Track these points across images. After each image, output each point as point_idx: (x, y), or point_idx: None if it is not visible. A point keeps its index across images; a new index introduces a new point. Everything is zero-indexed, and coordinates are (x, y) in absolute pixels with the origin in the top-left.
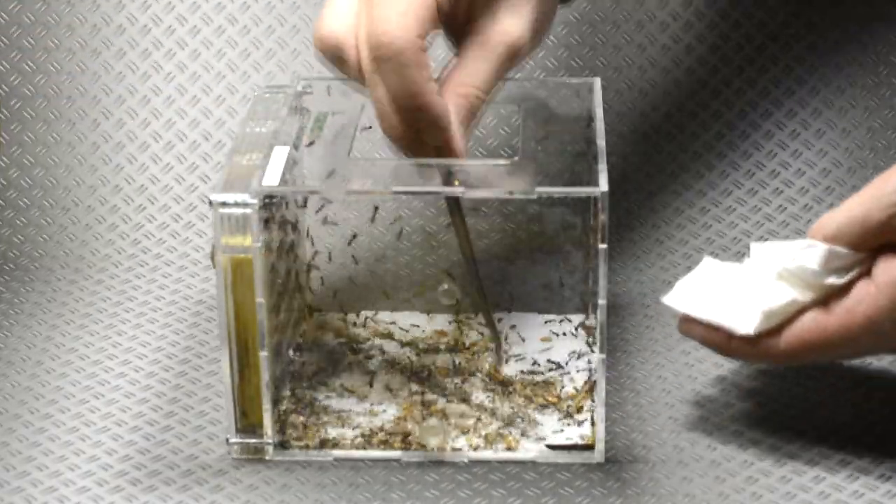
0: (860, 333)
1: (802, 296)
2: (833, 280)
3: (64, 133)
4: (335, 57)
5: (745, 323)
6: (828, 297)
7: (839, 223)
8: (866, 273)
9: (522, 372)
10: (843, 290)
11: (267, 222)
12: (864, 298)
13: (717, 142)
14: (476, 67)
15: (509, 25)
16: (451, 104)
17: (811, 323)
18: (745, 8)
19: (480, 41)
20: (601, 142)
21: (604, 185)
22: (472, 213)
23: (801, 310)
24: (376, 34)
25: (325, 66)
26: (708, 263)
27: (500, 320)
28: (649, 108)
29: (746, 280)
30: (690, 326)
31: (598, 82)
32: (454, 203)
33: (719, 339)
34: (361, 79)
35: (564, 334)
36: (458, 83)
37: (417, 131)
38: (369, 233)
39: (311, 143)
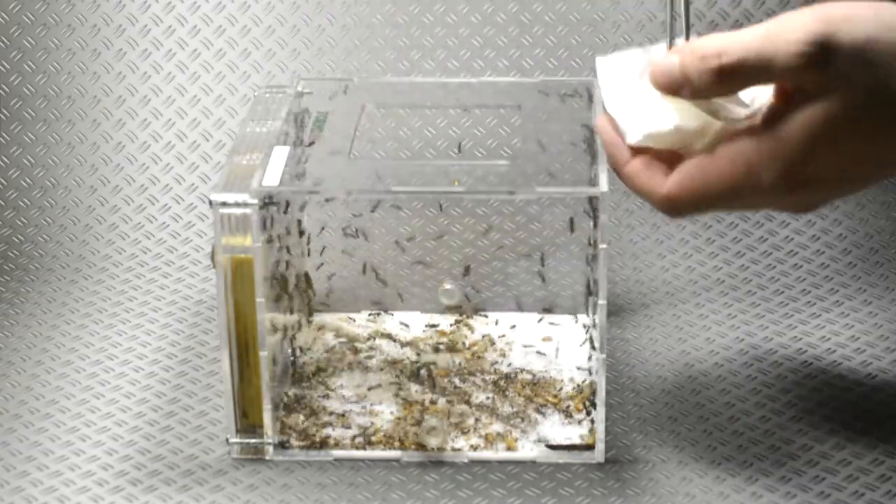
0: (740, 182)
1: (684, 123)
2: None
3: (64, 133)
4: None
5: (633, 131)
6: (713, 142)
7: (741, 55)
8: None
9: (522, 371)
10: (729, 137)
11: (265, 222)
12: (746, 148)
13: None
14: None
15: None
16: None
17: (694, 168)
18: (745, 8)
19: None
20: (601, 142)
21: (604, 185)
22: (473, 214)
23: (685, 143)
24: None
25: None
26: (650, 50)
27: (497, 322)
28: None
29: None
30: (603, 125)
31: (597, 82)
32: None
33: (616, 156)
34: None
35: (564, 334)
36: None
37: None
38: (370, 233)
39: (311, 143)
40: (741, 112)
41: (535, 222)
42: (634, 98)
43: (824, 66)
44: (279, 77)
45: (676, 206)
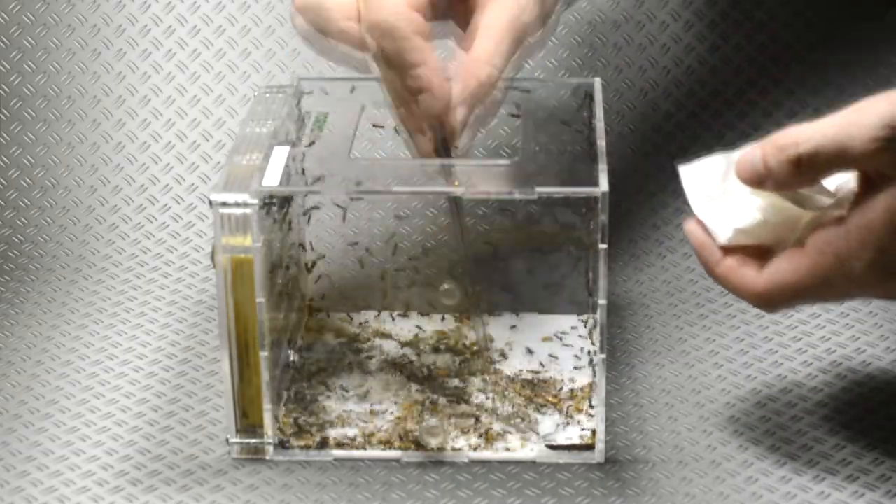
0: (831, 274)
1: (772, 216)
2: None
3: (64, 133)
4: (314, 17)
5: (723, 230)
6: (802, 235)
7: (818, 144)
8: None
9: (522, 371)
10: (817, 229)
11: (269, 210)
12: (834, 240)
13: (717, 142)
14: (485, 45)
15: (513, 1)
16: (459, 82)
17: (786, 263)
18: (745, 8)
19: (483, 19)
20: (601, 142)
21: (604, 185)
22: (473, 214)
23: (776, 235)
24: (371, 14)
25: (306, 37)
26: (730, 156)
27: (486, 325)
28: (649, 108)
29: (730, 183)
30: (693, 229)
31: (598, 82)
32: (455, 203)
33: (707, 257)
34: (343, 38)
35: (565, 334)
36: (465, 62)
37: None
38: (369, 233)
39: (311, 143)
40: (826, 200)
41: (535, 222)
42: (721, 199)
43: None
44: (279, 77)
45: (772, 303)
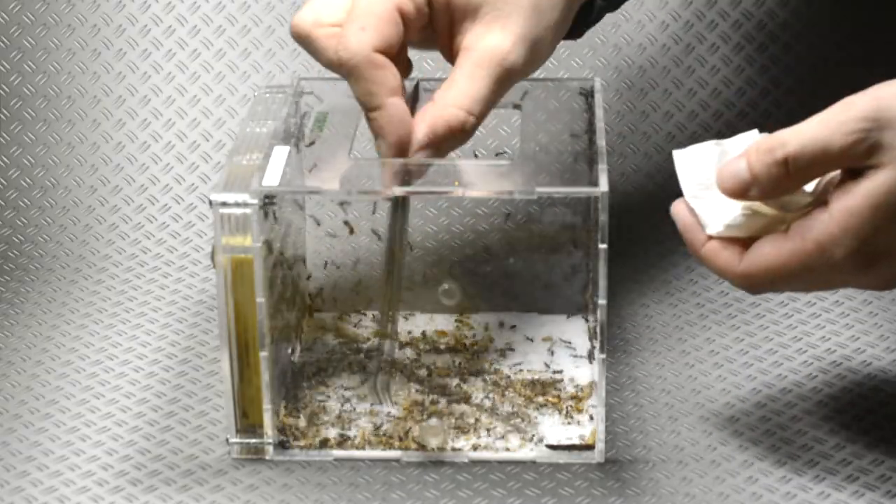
0: (812, 259)
1: (761, 214)
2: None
3: (64, 133)
4: (306, 47)
5: (713, 222)
6: (789, 222)
7: (803, 143)
8: (823, 198)
9: (522, 371)
10: (803, 215)
11: (267, 215)
12: (816, 225)
13: None
14: (462, 86)
15: (497, 41)
16: (426, 121)
17: (769, 247)
18: (745, 8)
19: (468, 58)
20: (601, 142)
21: (604, 185)
22: (473, 213)
23: (764, 229)
24: (338, 49)
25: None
26: (724, 143)
27: (502, 324)
28: (649, 108)
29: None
30: (680, 210)
31: (598, 82)
32: (400, 203)
33: (692, 239)
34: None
35: (564, 334)
36: (440, 100)
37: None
38: (369, 232)
39: (311, 143)
40: (808, 199)
41: (535, 222)
42: (713, 189)
43: (879, 139)
44: (279, 77)
45: (753, 284)
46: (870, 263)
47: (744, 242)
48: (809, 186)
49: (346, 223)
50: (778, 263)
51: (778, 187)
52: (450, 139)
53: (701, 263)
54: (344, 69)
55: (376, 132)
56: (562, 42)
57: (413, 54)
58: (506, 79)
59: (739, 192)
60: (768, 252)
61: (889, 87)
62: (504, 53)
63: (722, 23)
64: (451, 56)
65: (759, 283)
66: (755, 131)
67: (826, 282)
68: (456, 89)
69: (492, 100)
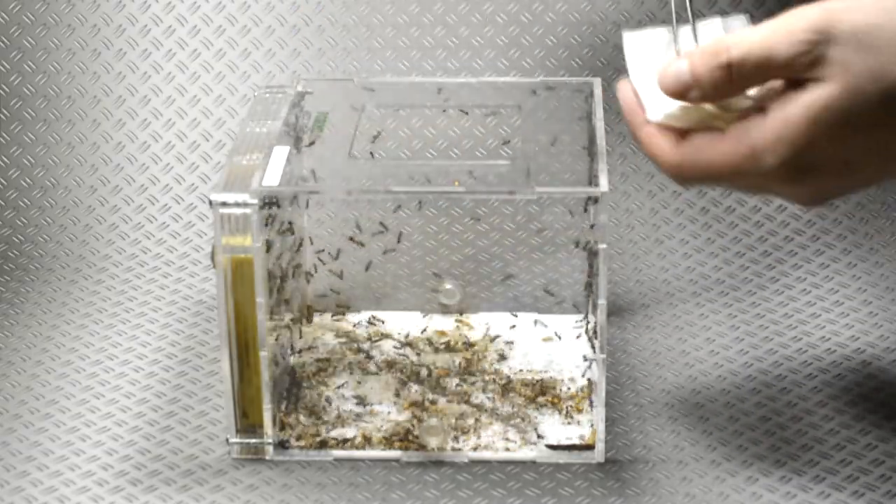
0: (744, 163)
1: (702, 108)
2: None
3: (64, 133)
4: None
5: (653, 109)
6: (728, 122)
7: (748, 49)
8: (763, 104)
9: (522, 371)
10: (741, 117)
11: (267, 222)
12: (752, 129)
13: None
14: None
15: None
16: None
17: (704, 142)
18: (745, 8)
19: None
20: (601, 142)
21: (604, 185)
22: (473, 213)
23: (702, 122)
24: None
25: None
26: (675, 30)
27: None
28: None
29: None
30: (624, 91)
31: (598, 82)
32: None
33: (633, 119)
34: None
35: (565, 334)
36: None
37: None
38: (370, 232)
39: (311, 143)
40: (749, 102)
41: (535, 222)
42: (657, 76)
43: (824, 52)
44: (279, 77)
45: (683, 175)
46: (799, 175)
47: (681, 132)
48: (752, 91)
49: (355, 230)
50: (710, 161)
51: (719, 91)
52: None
53: (636, 144)
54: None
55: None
56: (562, 42)
57: (413, 53)
58: None
59: (680, 93)
60: (703, 148)
61: (840, 1)
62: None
63: None
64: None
65: (689, 176)
66: (718, 20)
67: (755, 186)
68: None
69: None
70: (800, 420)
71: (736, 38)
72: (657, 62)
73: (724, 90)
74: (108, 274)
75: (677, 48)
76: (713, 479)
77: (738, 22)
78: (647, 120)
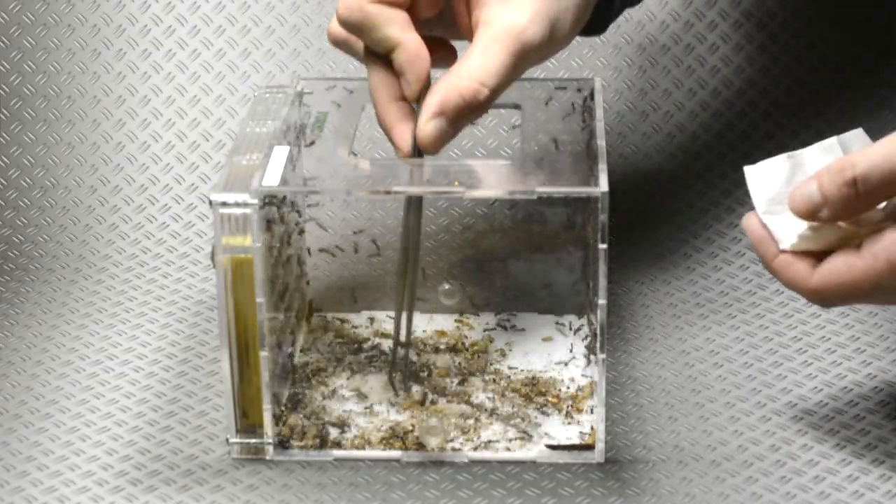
0: (884, 277)
1: (834, 228)
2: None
3: (64, 133)
4: (344, 47)
5: (786, 236)
6: (862, 237)
7: (872, 163)
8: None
9: (522, 371)
10: (875, 231)
11: (268, 223)
12: (888, 243)
13: (717, 142)
14: (477, 59)
15: (515, 16)
16: (439, 92)
17: (841, 263)
18: (745, 8)
19: (485, 33)
20: (601, 142)
21: (604, 185)
22: (473, 213)
23: (837, 242)
24: (339, 12)
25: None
26: (795, 156)
27: (497, 323)
28: (649, 108)
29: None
30: (752, 223)
31: (598, 82)
32: (414, 203)
33: (765, 251)
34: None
35: (565, 334)
36: (454, 72)
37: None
38: (369, 232)
39: (311, 143)
40: (881, 215)
41: (536, 222)
42: (784, 204)
43: None
44: (279, 77)
45: (824, 299)
46: None
47: (816, 256)
48: (882, 204)
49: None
50: (850, 280)
51: (848, 208)
52: (463, 110)
53: (773, 275)
54: (351, 26)
55: (400, 71)
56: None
57: None
58: (522, 54)
59: (811, 213)
60: (840, 268)
61: None
62: (521, 28)
63: (722, 23)
64: (469, 35)
65: (830, 298)
66: (834, 140)
67: None
68: (471, 61)
69: (507, 74)
70: (799, 420)
71: (860, 154)
72: (781, 191)
73: (853, 206)
74: (108, 274)
75: (804, 171)
76: (713, 479)
77: (854, 136)
78: (779, 250)
